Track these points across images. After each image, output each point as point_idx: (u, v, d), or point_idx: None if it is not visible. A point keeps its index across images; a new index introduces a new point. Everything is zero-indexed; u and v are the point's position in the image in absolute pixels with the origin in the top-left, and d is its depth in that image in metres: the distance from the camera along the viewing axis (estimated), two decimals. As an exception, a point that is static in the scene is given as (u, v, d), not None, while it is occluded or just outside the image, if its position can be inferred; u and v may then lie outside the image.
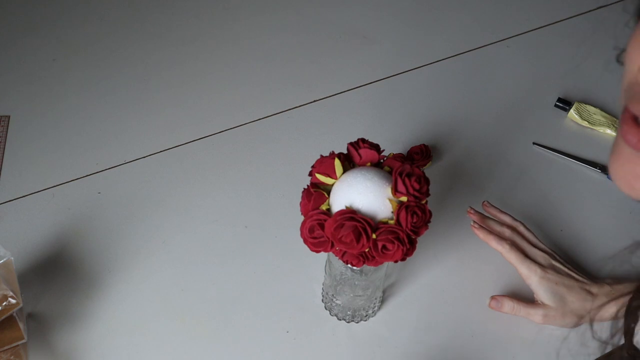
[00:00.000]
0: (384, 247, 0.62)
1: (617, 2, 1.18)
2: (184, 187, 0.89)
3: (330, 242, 0.63)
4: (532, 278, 0.76)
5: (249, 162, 0.93)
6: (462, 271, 0.83)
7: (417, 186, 0.63)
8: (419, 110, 1.00)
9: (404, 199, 0.63)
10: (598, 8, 1.17)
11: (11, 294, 0.67)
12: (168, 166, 0.92)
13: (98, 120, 0.97)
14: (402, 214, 0.62)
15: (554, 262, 0.77)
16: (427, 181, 0.66)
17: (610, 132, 0.98)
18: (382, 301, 0.79)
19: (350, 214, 0.62)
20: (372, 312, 0.77)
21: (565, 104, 1.00)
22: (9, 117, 0.96)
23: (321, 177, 0.66)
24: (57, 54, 1.05)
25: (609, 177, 0.92)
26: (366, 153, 0.67)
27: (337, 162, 0.65)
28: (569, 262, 0.80)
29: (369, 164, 0.67)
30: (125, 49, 1.06)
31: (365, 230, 0.62)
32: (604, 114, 0.99)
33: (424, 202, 0.65)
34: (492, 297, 0.78)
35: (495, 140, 0.97)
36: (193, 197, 0.88)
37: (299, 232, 0.65)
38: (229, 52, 1.07)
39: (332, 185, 0.65)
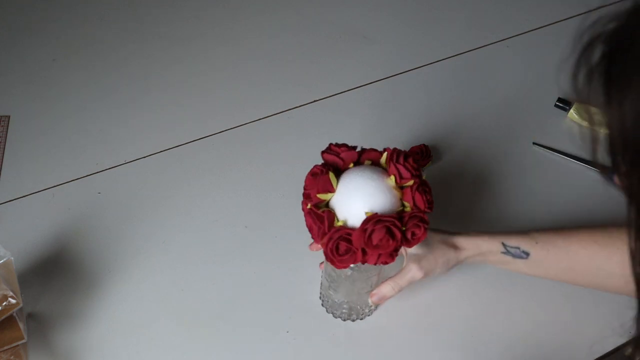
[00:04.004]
0: (412, 234, 0.64)
1: (617, 2, 1.18)
2: (184, 187, 0.89)
3: (360, 252, 0.63)
4: None
5: (249, 162, 0.93)
6: (461, 271, 0.82)
7: (415, 165, 0.65)
8: (419, 110, 1.00)
9: (409, 183, 0.64)
10: (598, 8, 1.17)
11: (11, 294, 0.67)
12: (168, 166, 0.92)
13: (98, 120, 0.97)
14: (417, 196, 0.64)
15: None
16: (415, 156, 0.68)
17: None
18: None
19: (377, 217, 0.62)
20: (369, 311, 0.77)
21: (565, 104, 1.00)
22: (9, 117, 0.96)
23: (322, 196, 0.65)
24: (57, 54, 1.05)
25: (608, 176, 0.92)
26: (347, 155, 0.67)
27: (332, 176, 0.65)
28: None
29: (351, 164, 0.67)
30: (125, 49, 1.06)
31: (396, 226, 0.62)
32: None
33: (424, 177, 0.67)
34: (371, 295, 0.74)
35: (495, 140, 0.96)
36: (193, 197, 0.88)
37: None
38: (229, 52, 1.07)
39: (330, 199, 0.65)
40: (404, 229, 0.63)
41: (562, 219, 0.88)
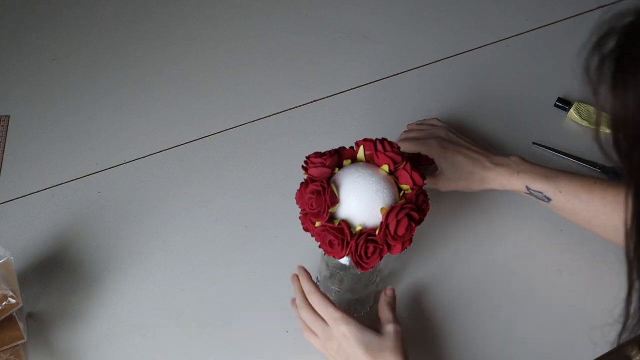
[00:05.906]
0: (422, 210, 0.66)
1: (617, 2, 1.18)
2: (184, 187, 0.89)
3: (386, 247, 0.64)
4: (432, 150, 0.83)
5: (249, 162, 0.93)
6: (462, 271, 0.83)
7: (397, 146, 0.68)
8: (419, 110, 1.00)
9: (401, 166, 0.66)
10: (598, 8, 1.17)
11: (11, 294, 0.67)
12: (168, 166, 0.92)
13: (98, 120, 0.97)
14: (415, 175, 0.66)
15: (451, 135, 0.86)
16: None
17: (610, 132, 0.97)
18: (376, 296, 0.79)
19: (396, 209, 0.63)
20: (368, 307, 0.77)
21: (565, 104, 1.00)
22: (9, 117, 0.96)
23: (333, 209, 0.65)
24: (57, 54, 1.05)
25: (609, 177, 0.92)
26: (332, 162, 0.67)
27: (334, 188, 0.65)
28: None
29: (336, 170, 0.67)
30: (125, 49, 1.06)
31: (414, 210, 0.64)
32: (604, 113, 0.99)
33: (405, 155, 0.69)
34: None
35: (495, 140, 0.96)
36: (193, 197, 0.88)
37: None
38: (229, 52, 1.07)
39: (336, 210, 0.65)
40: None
41: (562, 218, 0.88)
